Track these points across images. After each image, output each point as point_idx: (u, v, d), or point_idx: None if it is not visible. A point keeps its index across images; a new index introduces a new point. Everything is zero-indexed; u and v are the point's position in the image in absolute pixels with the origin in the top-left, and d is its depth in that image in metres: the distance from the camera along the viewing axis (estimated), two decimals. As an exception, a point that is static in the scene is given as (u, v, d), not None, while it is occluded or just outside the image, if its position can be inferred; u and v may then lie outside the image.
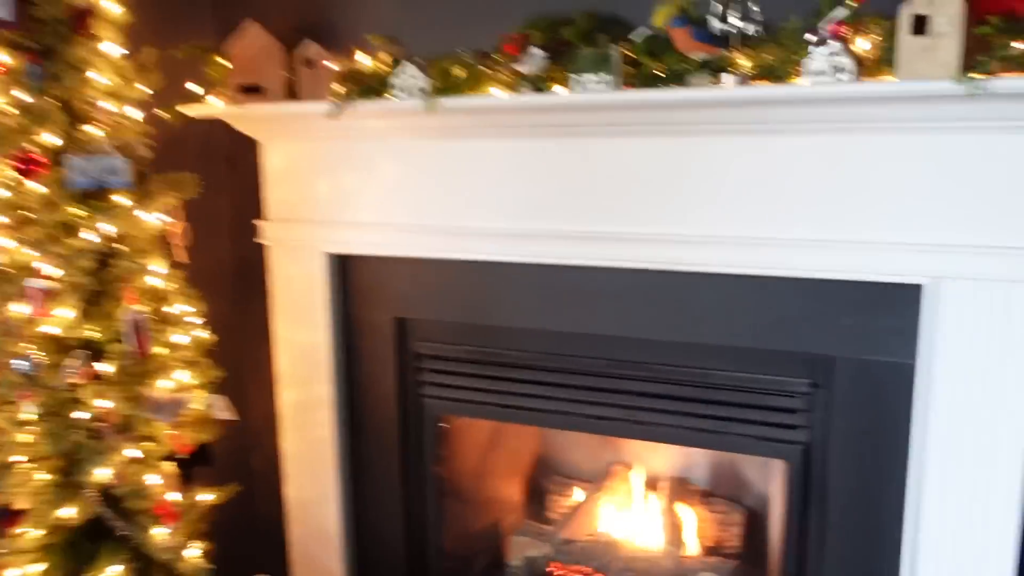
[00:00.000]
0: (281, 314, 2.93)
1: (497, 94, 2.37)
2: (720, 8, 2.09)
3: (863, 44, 2.03)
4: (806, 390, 2.35)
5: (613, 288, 2.47)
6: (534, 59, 2.28)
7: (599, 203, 2.40)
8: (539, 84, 2.29)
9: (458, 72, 2.41)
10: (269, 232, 2.88)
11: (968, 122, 1.96)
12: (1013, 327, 2.02)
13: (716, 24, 2.07)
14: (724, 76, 2.08)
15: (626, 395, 2.59)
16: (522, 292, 2.60)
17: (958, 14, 1.82)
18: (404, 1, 2.68)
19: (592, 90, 2.22)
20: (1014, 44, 1.84)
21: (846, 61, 1.96)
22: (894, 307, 2.16)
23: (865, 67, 2.02)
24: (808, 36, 2.00)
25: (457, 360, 2.80)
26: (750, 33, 2.09)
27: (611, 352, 2.56)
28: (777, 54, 2.09)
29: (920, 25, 1.87)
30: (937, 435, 2.13)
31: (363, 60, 2.59)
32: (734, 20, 2.08)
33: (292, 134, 2.76)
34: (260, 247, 2.91)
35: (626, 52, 2.26)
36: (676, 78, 2.18)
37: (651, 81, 2.22)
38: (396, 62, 2.48)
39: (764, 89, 2.05)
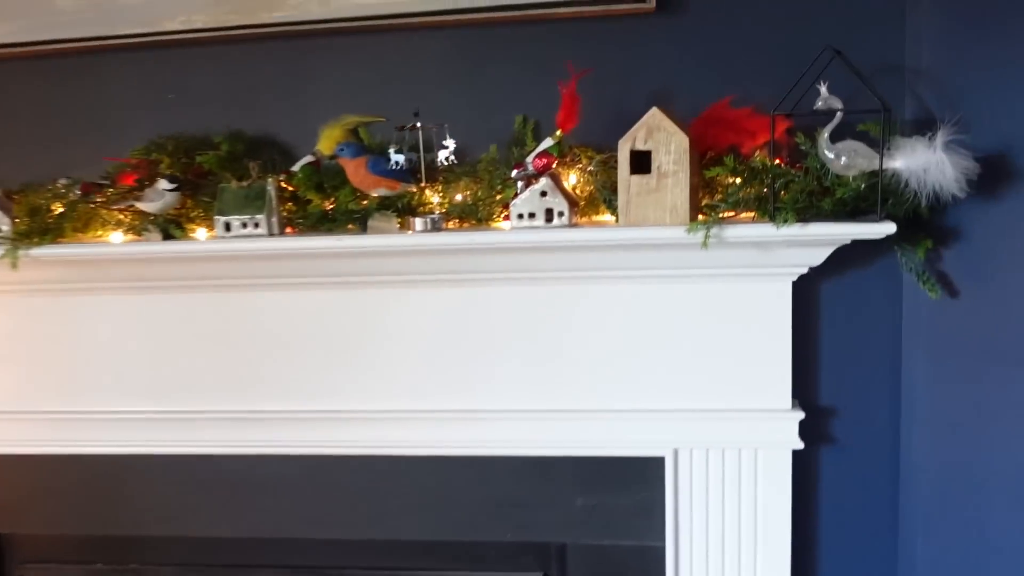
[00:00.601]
0: None
1: (114, 239, 1.76)
2: (399, 135, 1.65)
3: (574, 179, 1.69)
4: (535, 584, 1.94)
5: (284, 479, 1.92)
6: (160, 194, 1.70)
7: (257, 373, 1.85)
8: (169, 227, 1.71)
9: (55, 209, 1.77)
10: None
11: (700, 270, 1.66)
12: (765, 495, 1.74)
13: (395, 155, 1.63)
14: (414, 218, 1.64)
15: (314, 609, 2.02)
16: (163, 491, 1.97)
17: (684, 152, 1.52)
18: (-20, 110, 1.99)
19: (240, 235, 1.69)
20: (736, 183, 1.58)
21: (558, 202, 1.59)
22: (633, 483, 1.81)
23: (579, 208, 1.67)
24: (514, 173, 1.62)
25: (81, 584, 2.08)
26: (440, 164, 1.66)
27: (289, 558, 2.00)
28: (475, 190, 1.69)
29: (641, 163, 1.55)
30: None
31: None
32: (419, 150, 1.65)
33: None
34: None
35: (287, 185, 1.76)
36: (352, 219, 1.71)
37: (321, 222, 1.73)
38: (-38, 196, 1.79)
39: (457, 236, 1.63)
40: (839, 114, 1.50)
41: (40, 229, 1.72)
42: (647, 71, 1.74)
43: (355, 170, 1.67)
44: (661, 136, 1.53)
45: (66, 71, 1.91)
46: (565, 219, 1.60)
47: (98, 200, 1.77)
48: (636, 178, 1.56)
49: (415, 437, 1.82)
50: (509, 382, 1.77)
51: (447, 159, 1.64)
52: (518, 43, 1.78)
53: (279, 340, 1.83)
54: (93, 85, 1.91)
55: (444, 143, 1.65)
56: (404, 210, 1.70)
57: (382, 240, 1.64)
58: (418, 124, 1.64)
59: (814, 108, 1.50)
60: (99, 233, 1.79)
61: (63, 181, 1.78)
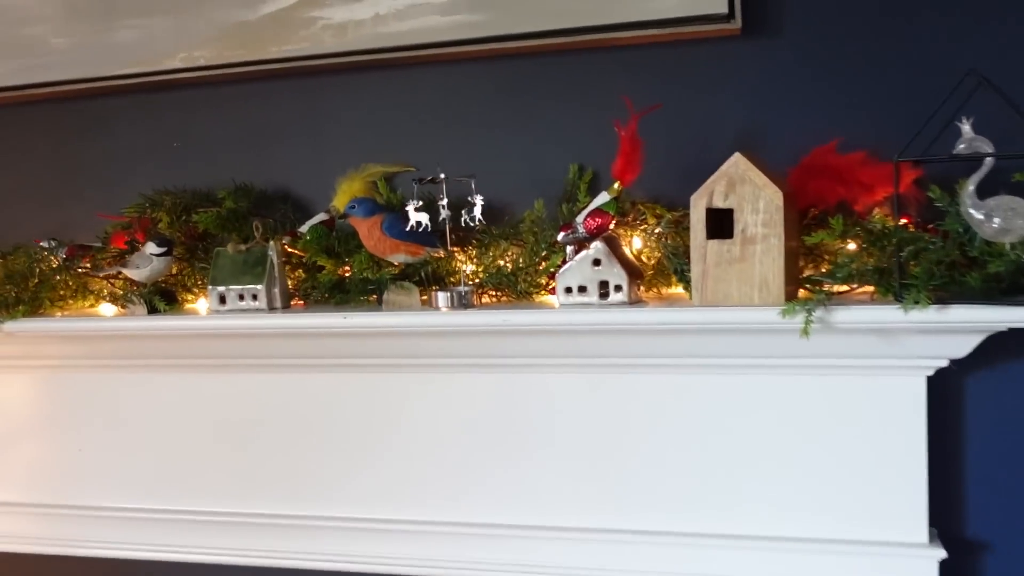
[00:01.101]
0: None
1: (105, 311, 1.52)
2: (420, 188, 1.34)
3: (639, 243, 1.35)
4: None
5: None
6: (147, 259, 1.45)
7: (262, 469, 1.55)
8: (153, 300, 1.45)
9: (35, 275, 1.54)
10: None
11: (802, 360, 1.28)
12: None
13: (415, 214, 1.32)
14: (437, 292, 1.33)
15: None
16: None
17: (777, 210, 1.16)
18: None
19: (236, 310, 1.41)
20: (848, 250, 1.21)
21: (615, 272, 1.25)
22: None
23: (643, 280, 1.33)
24: (561, 236, 1.29)
25: None
26: (466, 225, 1.35)
27: None
28: (515, 257, 1.37)
29: (721, 224, 1.19)
30: None
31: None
32: (444, 207, 1.33)
33: None
34: None
35: (294, 250, 1.47)
36: (368, 291, 1.41)
37: (334, 293, 1.44)
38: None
39: (487, 315, 1.30)
40: (988, 160, 1.11)
41: (13, 299, 1.48)
42: (730, 108, 1.40)
43: (369, 231, 1.37)
44: (746, 190, 1.18)
45: (64, 118, 1.70)
46: (623, 294, 1.26)
47: (84, 266, 1.53)
48: (715, 243, 1.20)
49: (447, 555, 1.48)
50: (559, 493, 1.42)
51: (473, 219, 1.32)
52: (571, 76, 1.46)
53: (286, 431, 1.53)
54: (93, 133, 1.69)
55: (471, 199, 1.33)
56: (429, 280, 1.39)
57: (398, 319, 1.33)
58: (442, 176, 1.33)
59: (953, 153, 1.12)
60: (87, 304, 1.54)
61: (45, 243, 1.55)
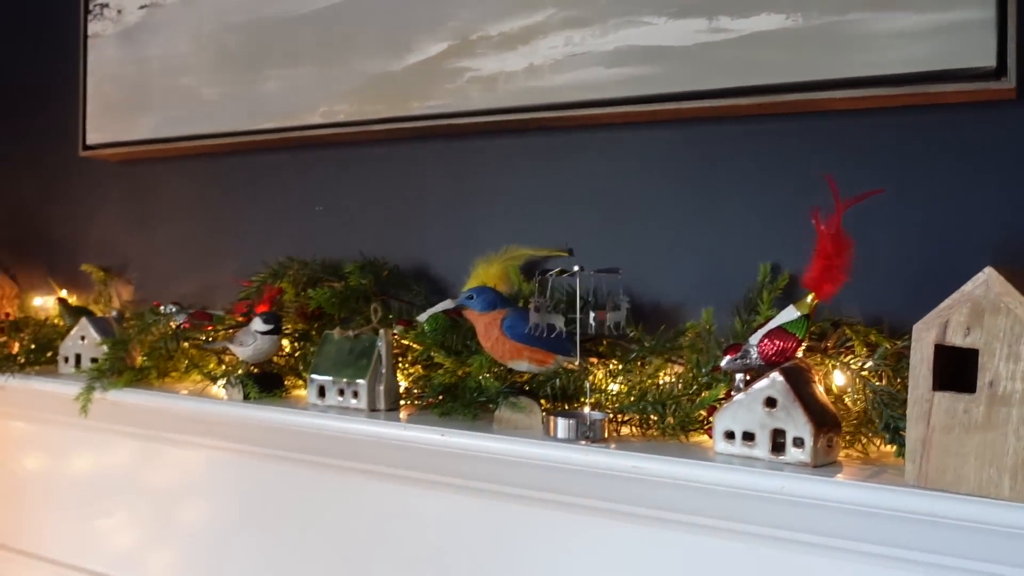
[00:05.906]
0: None
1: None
2: (554, 280, 1.05)
3: (840, 379, 0.98)
4: None
5: None
6: (253, 336, 1.26)
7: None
8: (247, 385, 1.26)
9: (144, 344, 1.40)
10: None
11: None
12: None
13: (536, 315, 1.03)
14: (556, 418, 1.02)
15: None
16: None
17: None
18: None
19: (334, 406, 1.19)
20: None
21: (794, 420, 0.89)
22: None
23: (838, 434, 0.94)
24: (725, 361, 0.95)
25: None
26: (616, 332, 1.04)
27: None
28: (667, 381, 1.04)
29: (959, 370, 0.81)
30: None
31: None
32: (573, 308, 1.03)
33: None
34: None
35: (405, 341, 1.23)
36: (486, 399, 1.13)
37: (446, 398, 1.17)
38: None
39: (619, 456, 0.97)
40: None
41: (121, 367, 1.36)
42: (990, 200, 0.99)
43: (487, 330, 1.10)
44: (1000, 324, 0.78)
45: (214, 174, 1.59)
46: (805, 451, 0.89)
47: (199, 338, 1.38)
48: (946, 398, 0.81)
49: None
50: None
51: (617, 327, 1.01)
52: (769, 148, 1.11)
53: (390, 551, 1.26)
54: (242, 190, 1.58)
55: (617, 301, 1.02)
56: (559, 395, 1.09)
57: (500, 444, 1.04)
58: (576, 268, 1.03)
59: None
60: (196, 379, 1.38)
61: (168, 308, 1.41)
